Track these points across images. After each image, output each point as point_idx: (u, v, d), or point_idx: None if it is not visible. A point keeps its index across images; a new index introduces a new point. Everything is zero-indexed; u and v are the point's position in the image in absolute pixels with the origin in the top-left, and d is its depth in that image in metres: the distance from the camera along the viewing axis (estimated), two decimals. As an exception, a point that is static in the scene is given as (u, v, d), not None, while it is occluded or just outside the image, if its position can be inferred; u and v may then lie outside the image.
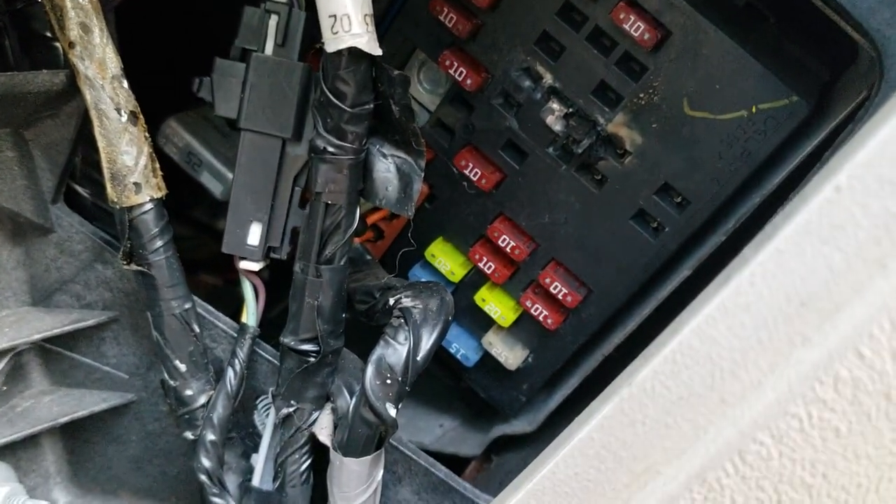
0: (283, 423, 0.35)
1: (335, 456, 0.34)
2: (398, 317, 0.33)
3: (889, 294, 0.19)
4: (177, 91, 0.39)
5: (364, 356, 0.35)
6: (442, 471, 0.37)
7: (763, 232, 0.21)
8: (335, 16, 0.28)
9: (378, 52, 0.29)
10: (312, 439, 0.35)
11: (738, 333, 0.21)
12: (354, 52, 0.29)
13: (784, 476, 0.22)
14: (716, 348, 0.21)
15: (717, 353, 0.21)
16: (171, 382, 0.35)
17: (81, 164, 0.37)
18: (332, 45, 0.29)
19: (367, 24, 0.29)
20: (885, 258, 0.19)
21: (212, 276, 0.54)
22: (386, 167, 0.33)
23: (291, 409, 0.34)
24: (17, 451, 0.39)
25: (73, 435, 0.40)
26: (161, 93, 0.41)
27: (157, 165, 0.34)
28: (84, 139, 0.35)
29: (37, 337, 0.37)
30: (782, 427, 0.21)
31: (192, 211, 0.60)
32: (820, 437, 0.21)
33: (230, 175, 0.38)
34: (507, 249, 0.40)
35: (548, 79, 0.37)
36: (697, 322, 0.21)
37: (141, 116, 0.33)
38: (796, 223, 0.20)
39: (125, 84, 0.32)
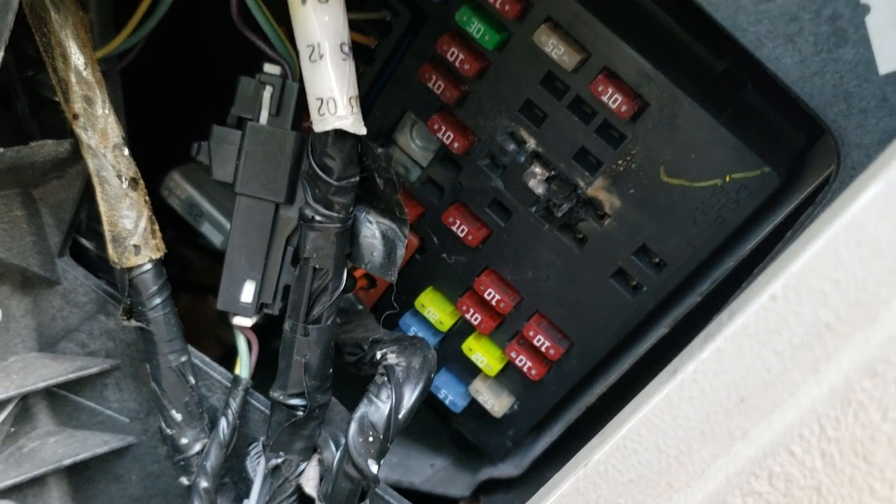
0: (273, 472, 0.36)
1: (319, 505, 0.35)
2: (382, 374, 0.35)
3: (818, 398, 0.20)
4: (180, 144, 0.41)
5: (354, 401, 0.37)
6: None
7: (707, 329, 0.23)
8: (321, 99, 0.30)
9: (363, 131, 0.31)
10: (300, 488, 0.37)
11: (682, 424, 0.22)
12: (340, 132, 0.31)
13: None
14: (663, 437, 0.23)
15: (664, 442, 0.23)
16: (168, 431, 0.37)
17: (87, 219, 0.39)
18: (318, 125, 0.31)
19: (351, 106, 0.30)
20: (816, 363, 0.20)
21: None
22: (371, 233, 0.34)
23: (280, 461, 0.36)
24: (23, 490, 0.41)
25: (78, 474, 0.42)
26: (166, 145, 0.43)
27: (157, 227, 0.36)
28: (89, 197, 0.37)
29: (42, 385, 0.39)
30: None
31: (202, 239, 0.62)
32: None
33: (229, 225, 0.40)
34: (493, 302, 0.41)
35: (531, 143, 0.38)
36: (646, 412, 0.23)
37: (141, 182, 0.35)
38: (736, 326, 0.21)
39: (126, 152, 0.34)
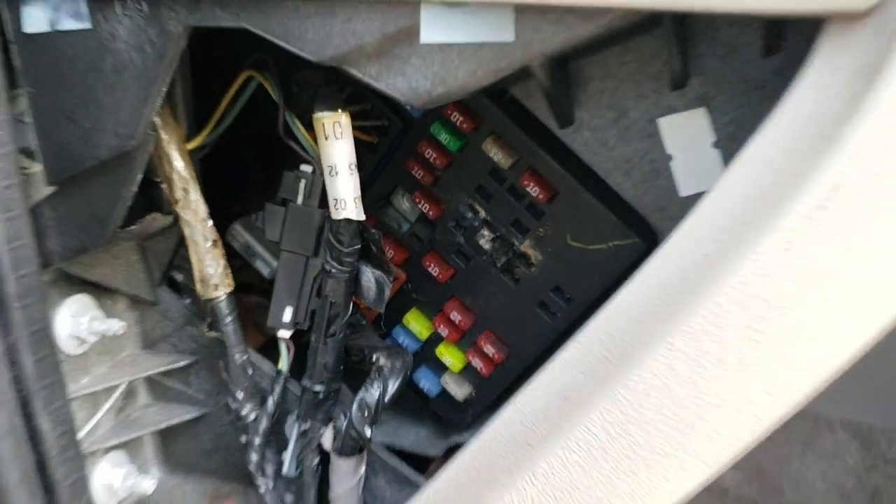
0: (302, 434, 0.54)
1: (334, 457, 0.53)
2: (375, 371, 0.52)
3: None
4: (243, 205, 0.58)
5: (356, 388, 0.54)
6: (405, 468, 0.57)
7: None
8: (336, 199, 0.47)
9: (363, 218, 0.48)
10: (320, 445, 0.54)
11: (548, 397, 0.39)
12: (348, 220, 0.48)
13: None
14: (532, 405, 0.40)
15: (533, 406, 0.40)
16: (233, 405, 0.55)
17: (178, 260, 0.57)
18: (334, 215, 0.48)
19: (356, 203, 0.48)
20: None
21: (260, 297, 0.74)
22: (368, 280, 0.52)
23: (307, 426, 0.54)
24: (129, 445, 0.60)
25: (166, 434, 0.61)
26: (232, 205, 0.60)
27: (229, 270, 0.53)
28: (180, 248, 0.55)
29: (144, 374, 0.57)
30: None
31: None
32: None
33: (275, 263, 0.58)
34: (456, 322, 0.59)
35: (482, 213, 0.55)
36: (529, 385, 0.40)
37: (220, 241, 0.53)
38: (586, 331, 0.38)
39: (210, 223, 0.52)
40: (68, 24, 0.40)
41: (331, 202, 0.48)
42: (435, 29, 0.34)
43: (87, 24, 0.40)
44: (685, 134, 0.43)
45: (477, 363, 0.59)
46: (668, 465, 0.38)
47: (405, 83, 0.37)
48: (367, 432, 0.51)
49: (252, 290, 0.71)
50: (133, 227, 0.50)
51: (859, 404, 1.54)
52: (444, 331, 0.60)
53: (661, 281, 0.37)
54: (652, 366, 0.36)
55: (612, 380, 0.38)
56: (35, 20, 0.41)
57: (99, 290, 0.54)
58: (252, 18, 0.37)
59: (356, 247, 0.50)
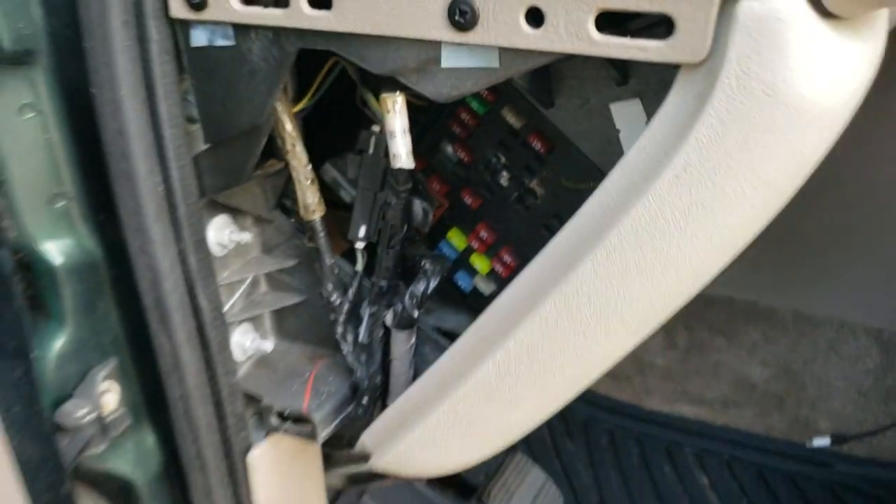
0: (372, 315, 0.77)
1: (393, 330, 0.76)
2: (422, 271, 0.75)
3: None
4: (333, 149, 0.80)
5: (409, 283, 0.77)
6: (445, 341, 0.79)
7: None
8: (394, 153, 0.69)
9: (412, 166, 0.70)
10: (384, 322, 0.77)
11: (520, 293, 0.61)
12: (402, 169, 0.70)
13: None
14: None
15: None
16: (324, 294, 0.78)
17: (287, 191, 0.79)
18: (393, 164, 0.69)
19: (408, 156, 0.69)
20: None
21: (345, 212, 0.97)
22: (417, 208, 0.73)
23: (375, 309, 0.77)
24: (254, 319, 0.84)
25: (278, 313, 0.85)
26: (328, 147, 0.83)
27: (322, 199, 0.76)
28: (288, 183, 0.78)
29: (263, 271, 0.81)
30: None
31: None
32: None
33: (353, 193, 0.80)
34: (484, 238, 0.80)
35: (502, 160, 0.76)
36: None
37: (316, 179, 0.74)
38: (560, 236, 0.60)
39: (309, 167, 0.73)
40: (220, 42, 0.62)
41: (391, 155, 0.69)
42: (450, 58, 0.55)
43: (232, 43, 0.62)
44: (627, 116, 0.62)
45: (498, 268, 0.81)
46: (603, 329, 0.59)
47: (433, 88, 0.58)
48: (415, 313, 0.74)
49: (338, 208, 0.95)
50: (259, 171, 0.73)
51: (881, 313, 1.73)
52: (475, 244, 0.81)
53: (595, 213, 0.57)
54: (585, 267, 0.57)
55: (562, 277, 0.59)
56: (199, 38, 0.63)
57: (235, 212, 0.77)
58: (337, 46, 0.58)
59: (408, 186, 0.71)
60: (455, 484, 1.06)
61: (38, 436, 0.60)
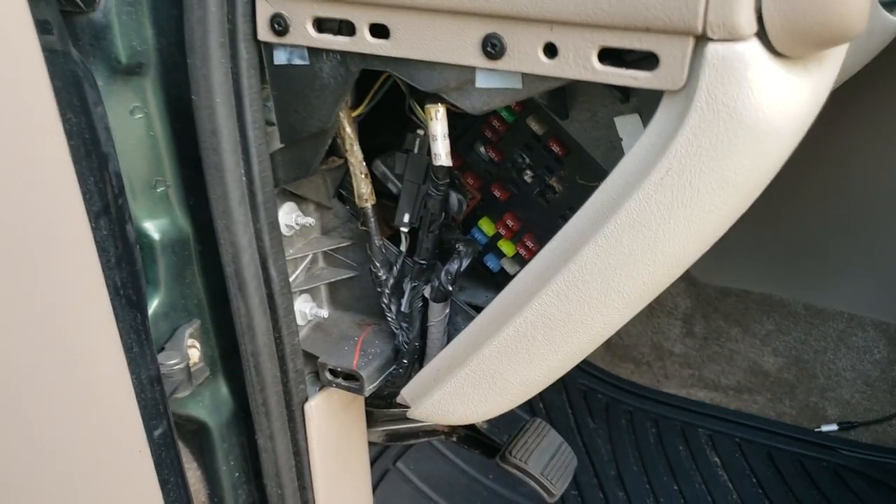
0: (413, 289, 0.91)
1: (431, 303, 0.90)
2: (456, 253, 0.89)
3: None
4: (384, 147, 0.94)
5: (445, 262, 0.90)
6: (473, 312, 0.93)
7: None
8: (435, 153, 0.82)
9: (450, 164, 0.83)
10: (423, 296, 0.91)
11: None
12: (442, 166, 0.84)
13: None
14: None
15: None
16: (373, 270, 0.92)
17: (345, 182, 0.94)
18: (434, 161, 0.83)
19: (446, 156, 0.82)
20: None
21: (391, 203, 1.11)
22: (453, 199, 0.87)
23: (416, 284, 0.90)
24: (312, 290, 0.99)
25: (333, 286, 0.99)
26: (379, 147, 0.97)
27: (373, 190, 0.90)
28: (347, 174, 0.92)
29: (322, 250, 0.95)
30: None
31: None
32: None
33: (400, 185, 0.94)
34: (510, 226, 0.93)
35: (527, 160, 0.89)
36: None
37: (368, 174, 0.88)
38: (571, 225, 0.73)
39: (363, 163, 0.88)
40: (297, 62, 0.77)
41: (432, 154, 0.83)
42: (483, 80, 0.69)
43: (307, 62, 0.76)
44: (628, 127, 0.76)
45: (522, 252, 0.94)
46: (603, 300, 0.72)
47: (469, 103, 0.71)
48: (450, 288, 0.88)
49: (386, 197, 1.09)
50: (322, 166, 0.87)
51: (889, 308, 1.85)
52: (502, 231, 0.95)
53: (597, 205, 0.70)
54: (589, 250, 0.70)
55: (571, 257, 0.72)
56: (280, 58, 0.77)
57: (300, 199, 0.92)
58: (393, 67, 0.72)
59: (447, 181, 0.85)
60: (482, 443, 1.20)
61: (148, 373, 0.75)
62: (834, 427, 1.84)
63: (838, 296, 1.84)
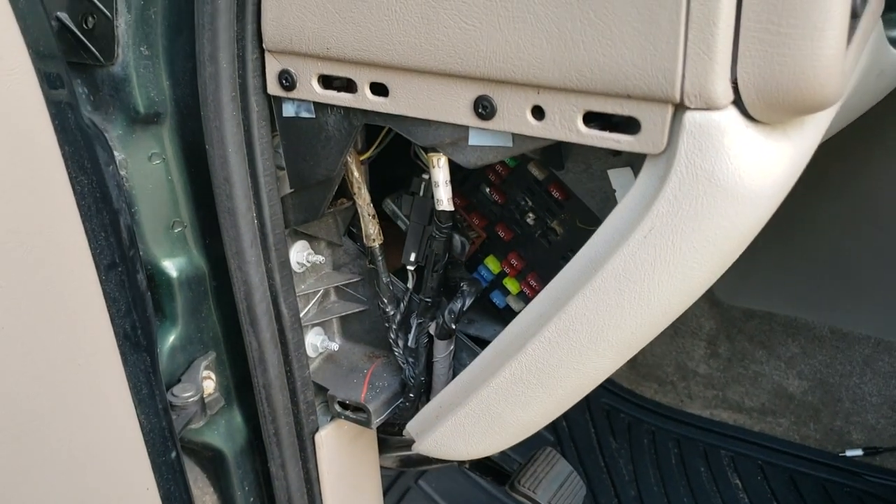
0: (419, 325, 0.94)
1: (435, 339, 0.93)
2: (460, 291, 0.91)
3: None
4: (391, 188, 0.98)
5: (450, 299, 0.93)
6: (478, 349, 0.96)
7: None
8: (438, 198, 0.85)
9: (452, 209, 0.86)
10: (429, 332, 0.94)
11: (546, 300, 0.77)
12: (444, 210, 0.87)
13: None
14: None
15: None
16: (381, 305, 0.96)
17: (354, 222, 0.97)
18: (437, 206, 0.86)
19: (448, 202, 0.85)
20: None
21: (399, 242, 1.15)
22: (456, 241, 0.90)
23: (422, 320, 0.94)
24: (324, 324, 1.03)
25: (344, 319, 1.03)
26: (387, 188, 1.00)
27: (380, 230, 0.93)
28: (354, 216, 0.95)
29: (332, 285, 0.99)
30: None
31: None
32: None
33: (408, 223, 0.97)
34: (515, 265, 0.96)
35: (529, 203, 0.92)
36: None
37: (376, 214, 0.92)
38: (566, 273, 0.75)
39: (370, 204, 0.91)
40: (304, 115, 0.80)
41: (435, 199, 0.86)
42: (475, 138, 0.72)
43: (313, 116, 0.80)
44: (621, 180, 0.78)
45: (526, 290, 0.96)
46: (594, 349, 0.75)
47: (463, 157, 0.74)
48: (453, 326, 0.91)
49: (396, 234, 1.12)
50: (331, 208, 0.91)
51: None
52: (507, 269, 0.97)
53: (586, 258, 0.72)
54: (578, 301, 0.72)
55: (562, 307, 0.74)
56: (288, 110, 0.81)
57: (311, 238, 0.95)
58: (392, 123, 0.75)
59: (449, 224, 0.88)
60: (493, 471, 1.23)
61: (156, 411, 0.79)
62: (859, 452, 1.83)
63: (865, 319, 1.83)
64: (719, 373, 1.99)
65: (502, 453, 1.19)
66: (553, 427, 1.98)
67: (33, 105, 0.56)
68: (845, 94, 0.74)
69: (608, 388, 2.07)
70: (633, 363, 2.10)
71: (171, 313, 0.90)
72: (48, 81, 0.60)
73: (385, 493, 1.72)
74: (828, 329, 1.85)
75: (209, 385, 0.94)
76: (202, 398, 0.91)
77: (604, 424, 1.99)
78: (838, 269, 1.82)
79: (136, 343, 0.71)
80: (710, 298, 1.96)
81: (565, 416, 2.02)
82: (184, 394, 0.88)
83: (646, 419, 2.01)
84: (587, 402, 2.05)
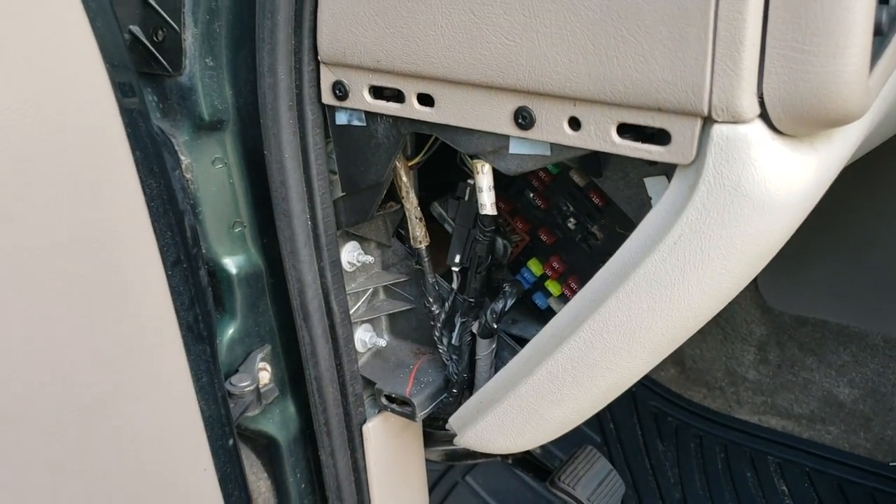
0: (462, 324, 0.98)
1: (478, 338, 0.97)
2: (502, 292, 0.95)
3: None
4: (439, 193, 1.02)
5: (493, 300, 0.97)
6: (518, 348, 1.00)
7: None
8: (482, 203, 0.90)
9: (495, 213, 0.90)
10: (472, 331, 0.98)
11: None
12: (487, 214, 0.91)
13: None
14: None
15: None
16: (427, 304, 1.00)
17: (402, 224, 1.02)
18: (481, 210, 0.90)
19: (492, 206, 0.90)
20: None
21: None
22: (499, 244, 0.94)
23: (465, 319, 0.98)
24: (373, 321, 1.08)
25: (392, 317, 1.07)
26: (434, 192, 1.05)
27: (427, 232, 0.98)
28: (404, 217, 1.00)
29: (381, 284, 1.04)
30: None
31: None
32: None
33: (454, 225, 1.02)
34: (556, 267, 0.99)
35: (571, 208, 0.95)
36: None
37: (423, 217, 0.96)
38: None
39: (418, 207, 0.96)
40: (356, 123, 0.85)
41: (479, 204, 0.90)
42: (515, 147, 0.76)
43: (364, 124, 0.85)
44: (656, 187, 0.81)
45: (567, 292, 1.00)
46: (626, 350, 0.78)
47: (504, 165, 0.78)
48: (495, 325, 0.95)
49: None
50: (381, 210, 0.96)
51: None
52: (549, 272, 1.01)
53: (619, 263, 0.76)
54: (611, 303, 0.76)
55: (596, 309, 0.78)
56: (341, 119, 0.86)
57: (361, 239, 1.01)
58: (437, 132, 0.80)
59: (492, 228, 0.92)
60: (535, 467, 1.27)
61: (215, 398, 0.85)
62: (911, 462, 1.81)
63: (919, 329, 1.81)
64: (769, 379, 1.99)
65: (545, 450, 1.23)
66: (601, 428, 2.00)
67: (109, 113, 0.62)
68: (884, 107, 0.76)
69: (656, 391, 2.08)
70: (682, 368, 2.11)
71: (230, 308, 0.95)
72: (121, 90, 0.66)
73: (433, 487, 1.77)
74: (881, 338, 1.84)
75: (265, 376, 0.99)
76: (258, 388, 0.96)
77: (651, 427, 2.01)
78: (892, 278, 1.81)
79: (198, 335, 0.77)
80: (762, 305, 1.96)
81: (613, 417, 2.04)
82: (241, 383, 0.93)
83: (693, 423, 2.01)
84: (635, 405, 2.06)
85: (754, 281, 1.93)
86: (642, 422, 2.04)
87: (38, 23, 0.57)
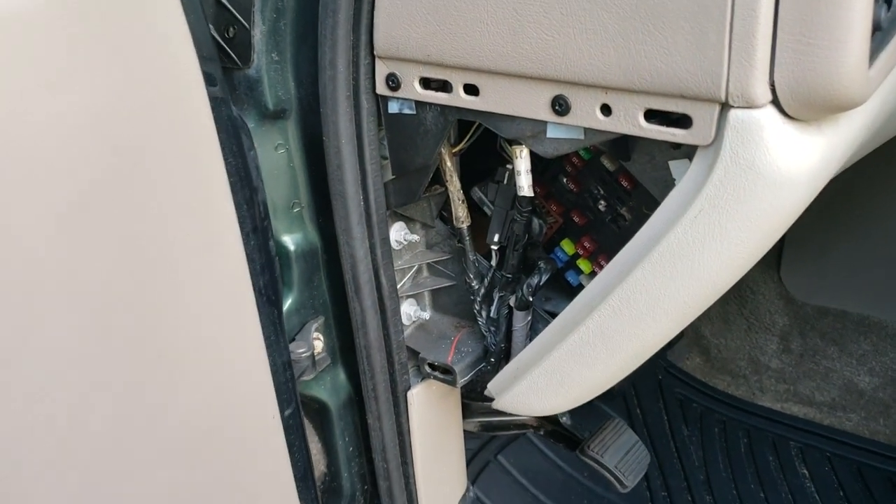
0: (500, 298, 1.07)
1: (514, 310, 1.06)
2: (537, 269, 1.04)
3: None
4: (479, 178, 1.11)
5: (528, 275, 1.06)
6: (551, 319, 1.08)
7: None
8: (519, 185, 0.98)
9: (532, 195, 0.98)
10: (509, 305, 1.07)
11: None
12: (525, 195, 0.99)
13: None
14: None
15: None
16: (467, 280, 1.09)
17: (445, 206, 1.11)
18: (518, 192, 0.98)
19: (528, 188, 0.98)
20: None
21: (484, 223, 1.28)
22: (535, 224, 1.02)
23: (503, 294, 1.06)
24: (417, 295, 1.16)
25: (435, 292, 1.16)
26: (474, 178, 1.13)
27: (468, 213, 1.06)
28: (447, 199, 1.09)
29: (425, 261, 1.13)
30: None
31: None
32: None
33: (493, 208, 1.11)
34: (587, 247, 1.07)
35: (601, 191, 1.04)
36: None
37: (465, 199, 1.05)
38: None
39: (461, 190, 1.04)
40: (406, 111, 0.94)
41: (517, 186, 0.99)
42: (552, 131, 0.84)
43: (414, 112, 0.94)
44: (680, 170, 0.89)
45: (597, 270, 1.08)
46: (651, 316, 0.86)
47: (542, 148, 0.87)
48: (530, 299, 1.03)
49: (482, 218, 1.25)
50: (427, 193, 1.05)
51: None
52: (580, 251, 1.09)
53: (645, 237, 0.84)
54: (637, 273, 0.84)
55: (624, 278, 0.86)
56: (393, 108, 0.95)
57: (408, 220, 1.09)
58: (482, 119, 0.88)
59: (529, 208, 1.01)
60: (565, 438, 1.35)
61: (282, 357, 0.94)
62: (929, 448, 1.87)
63: (939, 319, 1.87)
64: (791, 368, 2.05)
65: (574, 423, 1.31)
66: (628, 413, 2.07)
67: (200, 99, 0.72)
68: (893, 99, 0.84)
69: (682, 378, 2.15)
70: (707, 356, 2.17)
71: (288, 281, 1.05)
72: (208, 80, 0.75)
73: (466, 464, 1.86)
74: (901, 328, 1.89)
75: (318, 345, 1.09)
76: (313, 355, 1.06)
77: (676, 412, 2.08)
78: (913, 268, 1.86)
79: (267, 298, 0.87)
80: (784, 296, 2.02)
81: (640, 403, 2.12)
82: (298, 350, 1.03)
83: (717, 409, 2.08)
84: (661, 392, 2.14)
85: (777, 272, 2.00)
86: (668, 408, 2.11)
87: (144, 19, 0.66)
